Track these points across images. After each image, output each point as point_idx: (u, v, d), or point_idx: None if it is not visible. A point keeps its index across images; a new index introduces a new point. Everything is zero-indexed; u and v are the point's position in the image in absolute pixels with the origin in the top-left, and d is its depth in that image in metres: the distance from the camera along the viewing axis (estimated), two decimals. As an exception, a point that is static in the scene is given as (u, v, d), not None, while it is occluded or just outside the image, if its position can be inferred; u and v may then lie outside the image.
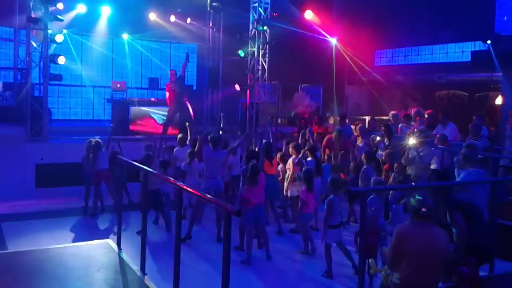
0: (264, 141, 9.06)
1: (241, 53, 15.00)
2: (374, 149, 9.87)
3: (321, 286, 6.43)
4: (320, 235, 7.17)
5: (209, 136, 8.48)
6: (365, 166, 8.82)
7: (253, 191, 7.15)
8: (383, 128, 10.31)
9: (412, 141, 8.78)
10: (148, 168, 6.49)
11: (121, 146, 10.03)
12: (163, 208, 8.52)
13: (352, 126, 11.61)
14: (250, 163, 7.29)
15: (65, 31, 14.66)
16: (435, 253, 4.28)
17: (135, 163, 6.65)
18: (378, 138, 10.16)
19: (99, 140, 9.61)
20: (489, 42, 12.96)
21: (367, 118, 12.54)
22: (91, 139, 9.74)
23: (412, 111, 11.86)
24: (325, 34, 18.54)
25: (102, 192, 9.65)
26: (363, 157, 9.08)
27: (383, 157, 9.24)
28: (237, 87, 15.21)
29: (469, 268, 4.65)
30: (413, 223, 4.42)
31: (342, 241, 6.81)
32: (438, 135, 9.24)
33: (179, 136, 10.09)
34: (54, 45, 11.94)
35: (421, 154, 8.47)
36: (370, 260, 4.97)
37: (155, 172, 6.77)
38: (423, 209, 4.31)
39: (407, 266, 4.28)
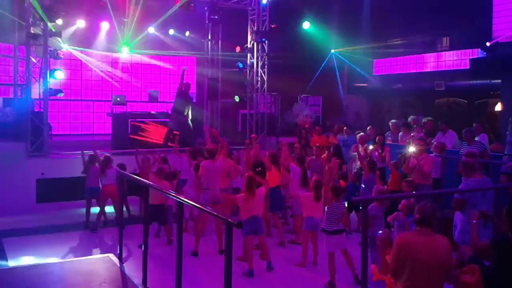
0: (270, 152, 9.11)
1: (240, 64, 15.06)
2: (368, 158, 9.88)
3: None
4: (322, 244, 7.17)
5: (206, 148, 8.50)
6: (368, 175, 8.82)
7: (248, 201, 7.10)
8: (377, 138, 10.36)
9: (412, 149, 8.77)
10: (152, 183, 6.50)
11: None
12: (167, 222, 8.50)
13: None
14: (247, 174, 7.30)
15: (64, 46, 14.77)
16: (438, 262, 4.23)
17: (137, 177, 6.67)
18: (371, 147, 10.19)
19: (108, 155, 9.58)
20: (488, 44, 12.99)
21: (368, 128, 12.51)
22: (92, 153, 9.76)
23: (411, 120, 11.88)
24: (323, 44, 18.65)
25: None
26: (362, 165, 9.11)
27: (390, 167, 9.21)
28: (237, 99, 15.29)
29: (472, 276, 4.62)
30: (415, 231, 4.39)
31: (347, 249, 6.77)
32: (435, 143, 9.24)
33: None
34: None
35: (421, 162, 8.45)
36: (372, 266, 4.95)
37: (158, 186, 6.75)
38: (417, 216, 4.29)
39: (410, 276, 4.23)
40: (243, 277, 6.83)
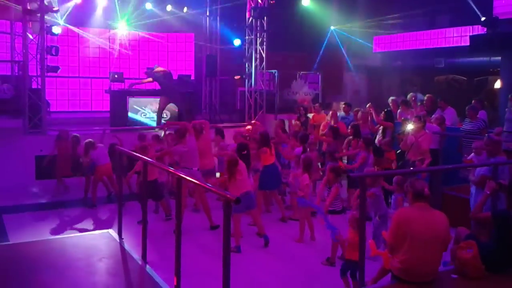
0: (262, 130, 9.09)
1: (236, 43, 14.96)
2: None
3: (322, 274, 6.41)
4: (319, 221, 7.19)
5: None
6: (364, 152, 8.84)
7: (234, 181, 6.98)
8: (383, 114, 10.37)
9: (410, 126, 8.77)
10: (145, 157, 6.50)
11: (118, 137, 9.98)
12: (162, 198, 8.51)
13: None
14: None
15: (61, 22, 14.61)
16: (436, 236, 4.28)
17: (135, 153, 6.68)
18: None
19: (91, 140, 9.51)
20: (482, 19, 12.90)
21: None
22: (76, 135, 9.83)
23: (410, 96, 11.84)
24: (323, 21, 18.46)
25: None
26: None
27: (383, 146, 9.22)
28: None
29: (469, 252, 4.67)
30: (413, 206, 4.42)
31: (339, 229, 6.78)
32: (435, 116, 9.27)
33: None
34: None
35: (419, 139, 8.46)
36: (370, 241, 4.99)
37: (153, 161, 6.75)
38: (426, 190, 4.32)
39: (408, 250, 4.28)
40: (242, 252, 6.88)
